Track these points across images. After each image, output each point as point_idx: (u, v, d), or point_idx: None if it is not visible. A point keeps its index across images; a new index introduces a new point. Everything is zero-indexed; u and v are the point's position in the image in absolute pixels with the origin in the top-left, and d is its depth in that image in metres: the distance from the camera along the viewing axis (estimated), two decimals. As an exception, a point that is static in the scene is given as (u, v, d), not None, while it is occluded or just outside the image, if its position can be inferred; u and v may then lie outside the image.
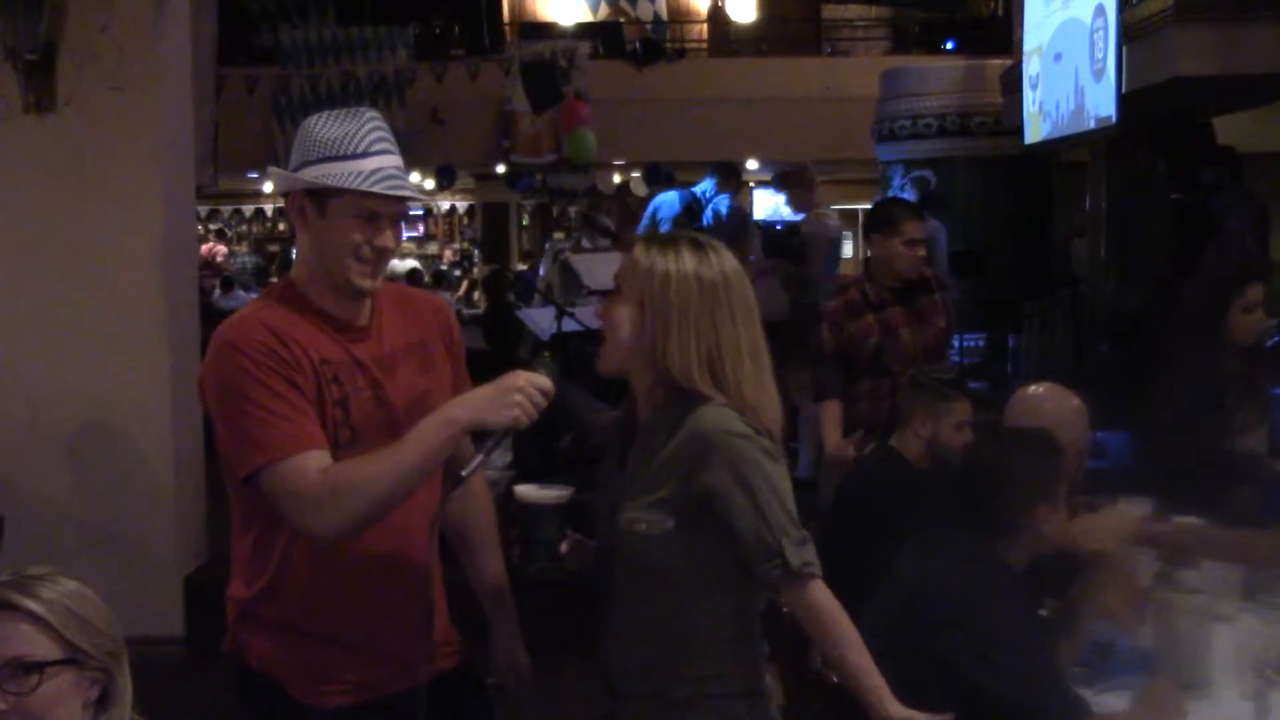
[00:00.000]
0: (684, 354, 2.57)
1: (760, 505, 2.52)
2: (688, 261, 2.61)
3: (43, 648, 2.11)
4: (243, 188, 20.28)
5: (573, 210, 17.63)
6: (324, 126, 2.65)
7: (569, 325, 8.71)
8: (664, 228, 8.72)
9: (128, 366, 6.35)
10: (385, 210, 2.65)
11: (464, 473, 2.58)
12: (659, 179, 17.75)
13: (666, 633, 2.61)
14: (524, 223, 21.42)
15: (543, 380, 2.56)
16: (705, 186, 10.14)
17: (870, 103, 13.02)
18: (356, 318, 2.73)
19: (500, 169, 16.61)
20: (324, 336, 2.68)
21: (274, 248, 21.47)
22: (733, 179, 10.50)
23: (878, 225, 5.43)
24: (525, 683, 3.00)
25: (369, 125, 2.66)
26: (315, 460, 2.56)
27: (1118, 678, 3.11)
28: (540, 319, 8.67)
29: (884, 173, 12.73)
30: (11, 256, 6.29)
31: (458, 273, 20.66)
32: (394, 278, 2.74)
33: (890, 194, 11.66)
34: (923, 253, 5.46)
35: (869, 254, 5.61)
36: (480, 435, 2.59)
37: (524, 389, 2.52)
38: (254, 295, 14.62)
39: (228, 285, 15.78)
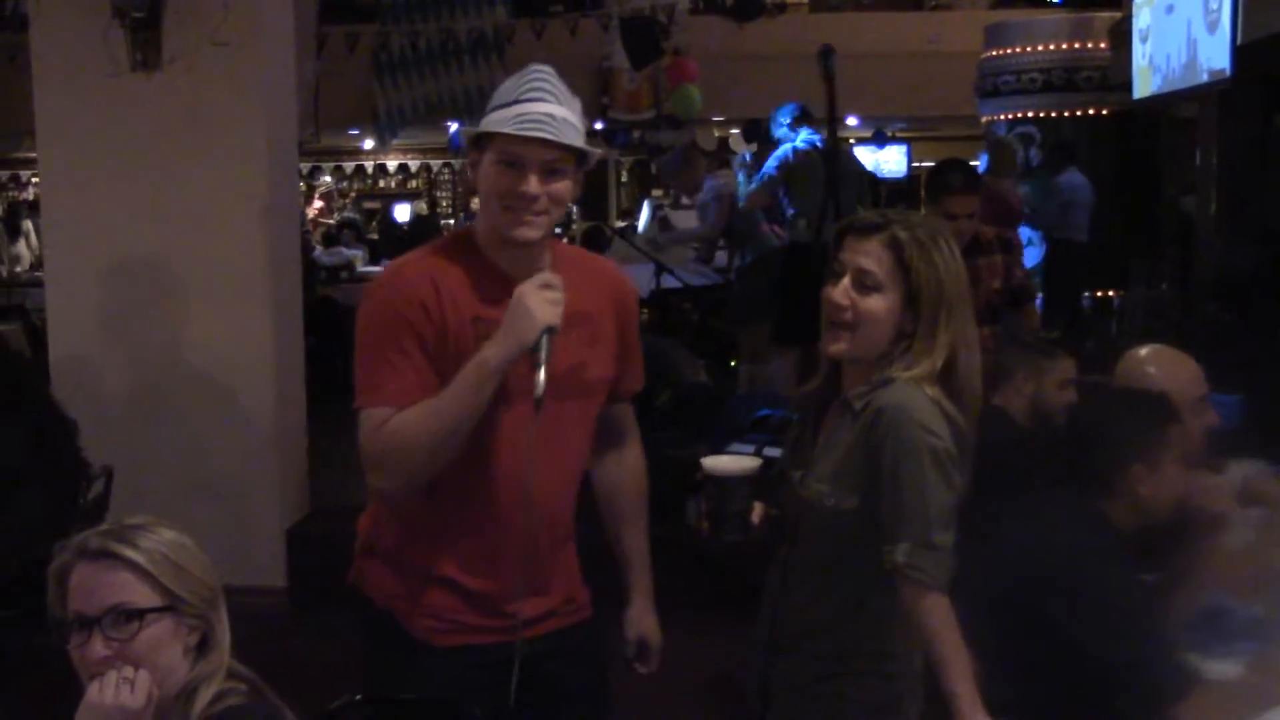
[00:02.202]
0: (927, 350, 2.54)
1: (900, 491, 2.48)
2: (950, 250, 2.58)
3: (142, 595, 2.16)
4: (343, 145, 20.41)
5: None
6: (502, 85, 2.67)
7: (668, 281, 8.69)
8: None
9: (232, 321, 6.42)
10: (528, 154, 2.58)
11: (536, 393, 2.53)
12: (758, 135, 17.63)
13: (839, 603, 2.60)
14: (622, 179, 21.39)
15: (542, 276, 2.55)
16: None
17: (973, 57, 12.81)
18: (526, 273, 2.64)
19: (599, 126, 16.57)
20: (486, 291, 2.67)
21: (372, 204, 21.58)
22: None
23: (927, 190, 5.44)
24: (654, 658, 3.01)
25: (531, 75, 2.64)
26: (388, 418, 2.59)
27: (1230, 645, 3.03)
28: (638, 276, 8.63)
29: (987, 129, 12.53)
30: (119, 212, 6.37)
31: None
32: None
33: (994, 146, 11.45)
34: (968, 226, 5.39)
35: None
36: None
37: (534, 294, 2.52)
38: (356, 251, 14.81)
39: (330, 241, 15.90)
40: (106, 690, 2.13)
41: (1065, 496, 3.06)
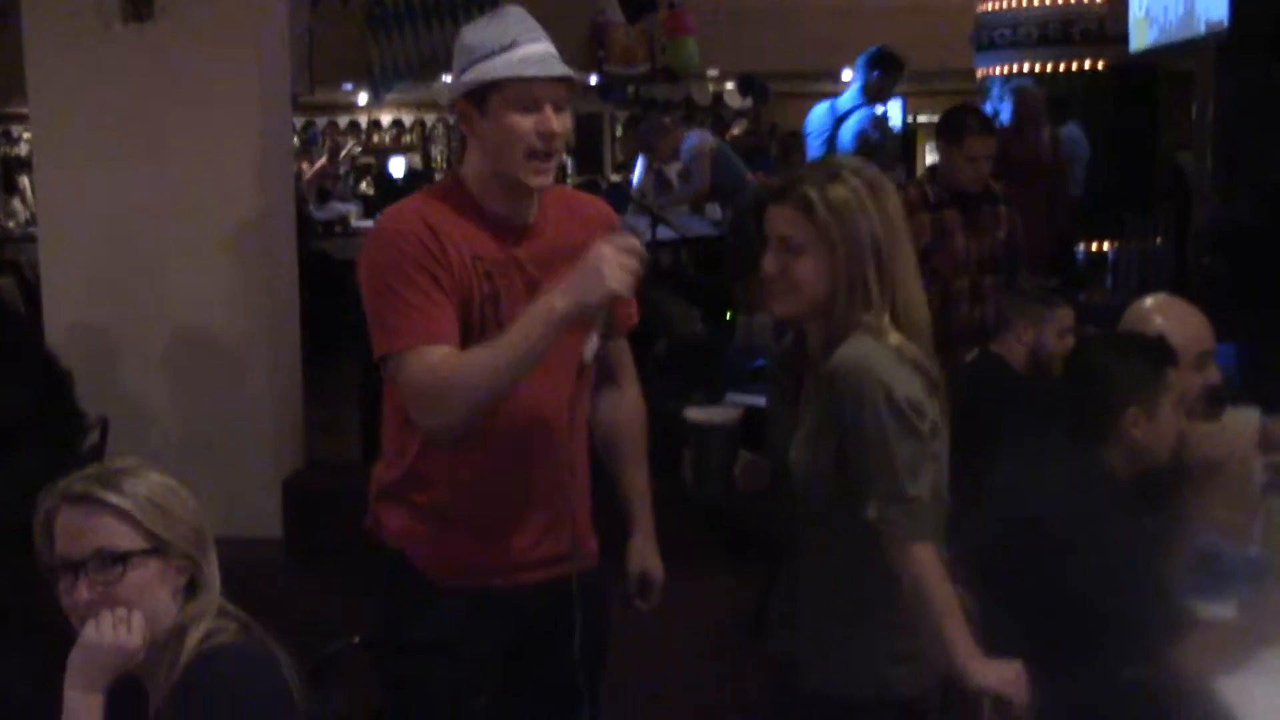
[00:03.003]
0: (873, 296, 2.52)
1: (865, 448, 2.48)
2: (870, 189, 2.55)
3: (127, 539, 2.17)
4: (337, 99, 20.31)
5: (666, 121, 17.49)
6: (472, 34, 2.67)
7: (663, 233, 8.68)
8: (815, 148, 8.35)
9: (226, 274, 6.42)
10: (544, 94, 2.63)
11: (586, 356, 2.56)
12: (753, 90, 17.56)
13: (842, 562, 2.60)
14: (617, 134, 21.32)
15: (627, 240, 2.53)
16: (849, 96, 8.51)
17: (969, 11, 12.73)
18: (520, 216, 2.74)
19: (594, 80, 16.51)
20: (482, 233, 2.70)
21: (366, 159, 21.49)
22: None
23: (944, 132, 5.44)
24: (655, 594, 3.02)
25: (513, 19, 2.67)
26: (436, 355, 2.58)
27: (1225, 588, 3.05)
28: (634, 228, 8.62)
29: (982, 83, 12.48)
30: (112, 165, 6.36)
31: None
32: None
33: (990, 106, 11.43)
34: (986, 168, 5.41)
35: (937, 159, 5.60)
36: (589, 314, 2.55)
37: (611, 258, 2.49)
38: (350, 206, 14.76)
39: (323, 197, 15.84)
40: (104, 629, 2.14)
41: (1061, 441, 3.06)
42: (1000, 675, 2.48)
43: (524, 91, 2.61)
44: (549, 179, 2.70)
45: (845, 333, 2.53)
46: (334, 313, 8.62)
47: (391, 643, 2.80)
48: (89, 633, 2.15)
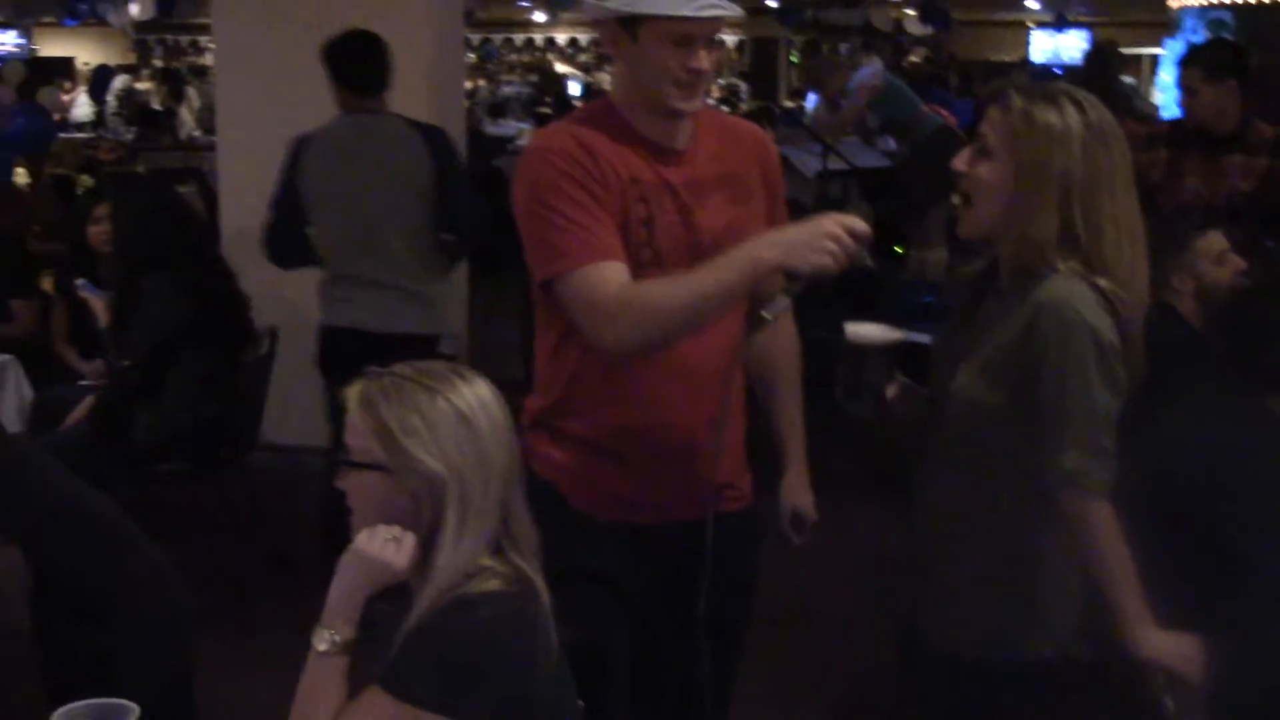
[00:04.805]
0: (1050, 229, 2.38)
1: (1064, 395, 2.35)
2: (1074, 122, 2.39)
3: (361, 445, 2.13)
4: (513, 16, 20.40)
5: (843, 47, 17.23)
6: None
7: (834, 164, 8.55)
8: None
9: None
10: (698, 31, 2.58)
11: (766, 314, 2.49)
12: (935, 16, 17.20)
13: (983, 503, 2.50)
14: (793, 59, 21.07)
15: (858, 224, 2.42)
16: None
17: (1166, -62, 12.27)
18: (673, 141, 2.69)
19: (772, 3, 16.30)
20: (636, 157, 2.66)
21: (532, 77, 21.53)
22: None
23: (1210, 69, 5.05)
24: (807, 527, 2.99)
25: None
26: (612, 272, 2.54)
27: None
28: (805, 158, 8.51)
29: (1174, 15, 12.03)
30: (288, 76, 6.43)
31: (725, 107, 20.50)
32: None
33: (1182, 40, 11.01)
34: (1233, 110, 5.04)
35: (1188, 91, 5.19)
36: (787, 275, 2.47)
37: (838, 235, 2.39)
38: (525, 125, 14.84)
39: (497, 112, 15.95)
40: (374, 541, 2.11)
41: (1231, 395, 2.94)
42: (1177, 649, 2.39)
43: (677, 27, 2.56)
44: (696, 103, 2.65)
45: (1034, 267, 2.40)
46: (504, 230, 8.66)
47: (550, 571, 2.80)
48: (361, 540, 2.12)
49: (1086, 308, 2.35)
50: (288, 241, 5.03)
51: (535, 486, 2.77)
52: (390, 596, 2.14)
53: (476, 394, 2.15)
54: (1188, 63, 5.20)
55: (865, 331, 2.61)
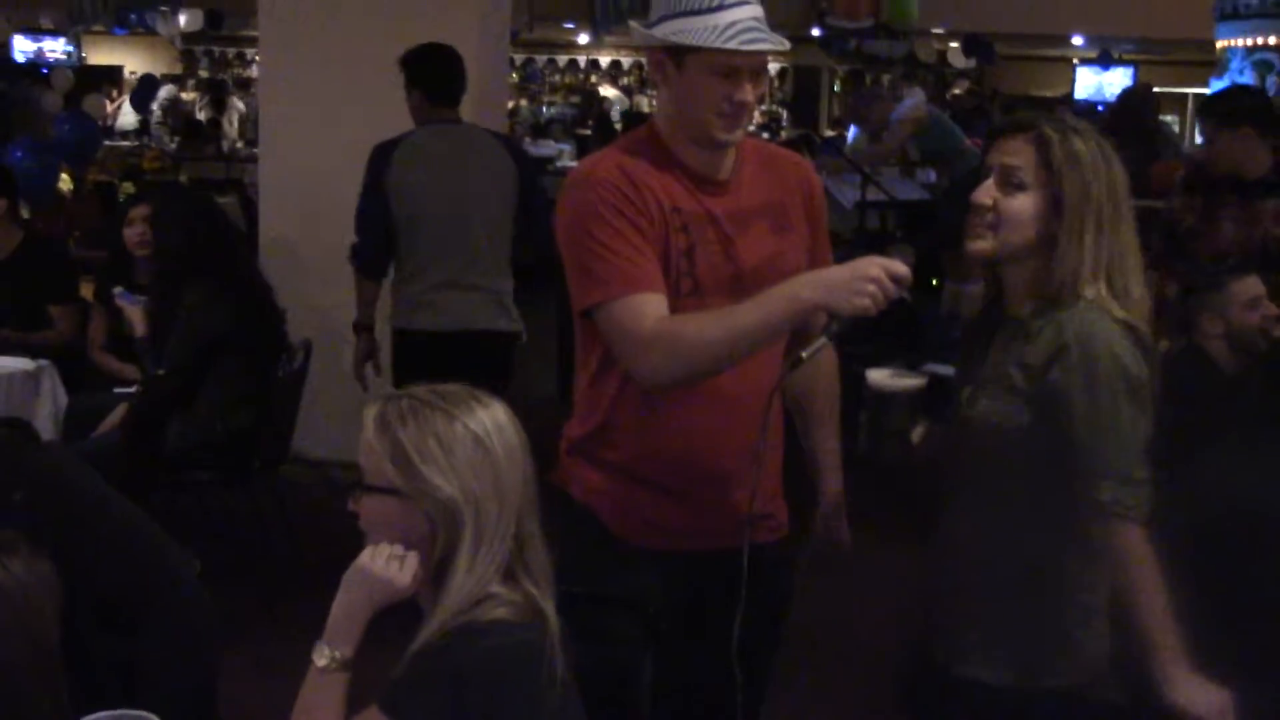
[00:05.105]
0: (1086, 260, 2.41)
1: (1099, 429, 2.37)
2: (1104, 156, 2.46)
3: (376, 470, 2.12)
4: (556, 37, 20.46)
5: (885, 78, 17.23)
6: None
7: (873, 195, 8.54)
8: None
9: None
10: (744, 64, 2.58)
11: (804, 354, 2.48)
12: (979, 49, 17.19)
13: (1010, 528, 2.50)
14: (835, 88, 21.07)
15: (899, 267, 2.41)
16: None
17: (1214, -24, 12.21)
18: (716, 171, 2.70)
19: (816, 32, 16.31)
20: (679, 186, 2.67)
21: (575, 99, 21.59)
22: None
23: (1222, 118, 5.02)
24: (841, 558, 2.97)
25: None
26: (652, 303, 2.55)
27: None
28: (844, 188, 8.50)
29: (1221, 55, 11.97)
30: (331, 93, 6.48)
31: (765, 135, 20.52)
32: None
33: (1229, 79, 10.96)
34: (1264, 158, 4.96)
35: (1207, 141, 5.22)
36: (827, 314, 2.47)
37: (879, 279, 2.39)
38: (564, 146, 14.88)
39: (539, 133, 16.00)
40: (377, 559, 2.11)
41: (1265, 439, 2.91)
42: (1209, 700, 2.34)
43: (724, 61, 2.57)
44: (739, 134, 2.66)
45: (1056, 294, 2.43)
46: (543, 248, 8.68)
47: (574, 594, 2.78)
48: (364, 557, 2.13)
49: (1115, 341, 2.38)
50: (379, 250, 5.23)
51: (574, 511, 2.78)
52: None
53: (493, 418, 2.14)
54: (1201, 112, 5.18)
55: (887, 379, 2.60)
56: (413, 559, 2.11)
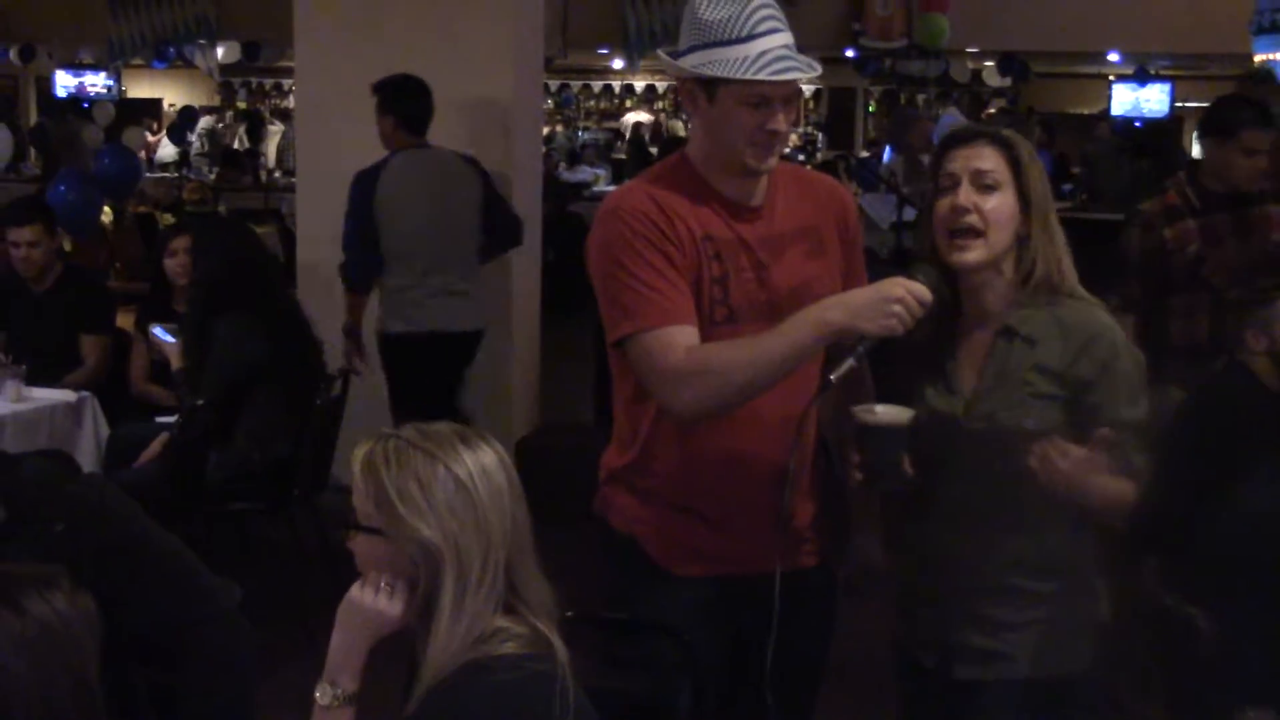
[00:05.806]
0: (1058, 252, 2.57)
1: (1116, 407, 2.52)
2: (1034, 155, 2.62)
3: (364, 507, 2.14)
4: (591, 63, 20.52)
5: (920, 98, 17.19)
6: (710, 8, 2.59)
7: (909, 214, 8.52)
8: None
9: (471, 233, 6.50)
10: (775, 94, 2.59)
11: (832, 377, 2.49)
12: (1012, 69, 17.12)
13: (1029, 530, 2.57)
14: (870, 109, 21.04)
15: (922, 290, 2.46)
16: None
17: (1251, -10, 12.14)
18: (749, 198, 2.71)
19: (849, 53, 16.30)
20: (711, 213, 2.68)
21: (611, 123, 21.63)
22: None
23: (1212, 129, 4.98)
24: (875, 581, 2.97)
25: (755, 3, 2.58)
26: (682, 336, 2.56)
27: None
28: (880, 207, 8.49)
29: (1257, 71, 11.90)
30: (368, 121, 6.49)
31: (801, 157, 20.49)
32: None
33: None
34: (1264, 164, 4.95)
35: (1200, 156, 5.19)
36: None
37: (904, 299, 2.43)
38: (599, 170, 14.92)
39: (574, 159, 16.05)
40: (367, 592, 2.12)
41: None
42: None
43: (754, 90, 2.57)
44: (772, 162, 2.66)
45: (1041, 289, 2.55)
46: (576, 272, 8.69)
47: (612, 621, 2.78)
48: (354, 591, 2.14)
49: (1120, 336, 2.59)
50: (368, 266, 5.85)
51: (613, 538, 2.80)
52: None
53: (479, 461, 2.12)
54: (1197, 134, 5.13)
55: (876, 414, 2.60)
56: (401, 588, 2.11)
